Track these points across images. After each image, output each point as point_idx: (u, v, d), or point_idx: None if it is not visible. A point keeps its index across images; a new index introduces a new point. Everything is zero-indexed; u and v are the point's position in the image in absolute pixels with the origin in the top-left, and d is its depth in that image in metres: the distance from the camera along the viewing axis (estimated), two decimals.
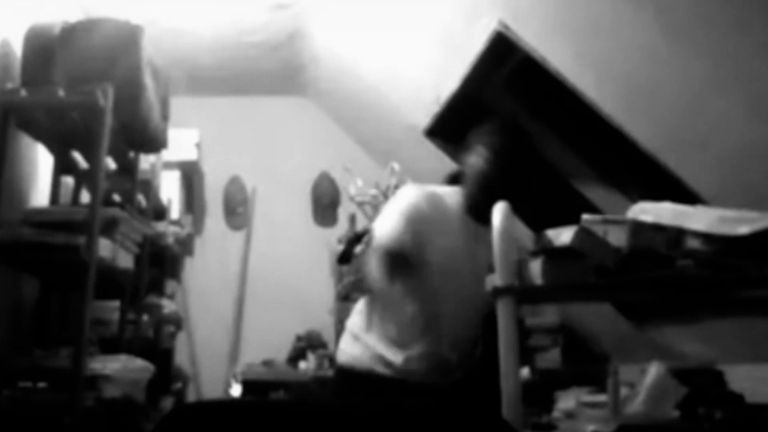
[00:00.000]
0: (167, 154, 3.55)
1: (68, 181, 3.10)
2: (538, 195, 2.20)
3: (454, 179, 2.19)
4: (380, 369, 2.00)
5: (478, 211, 2.02)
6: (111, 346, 2.77)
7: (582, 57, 2.52)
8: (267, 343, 4.78)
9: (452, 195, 2.10)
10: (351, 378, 2.05)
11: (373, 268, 1.99)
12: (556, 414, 2.25)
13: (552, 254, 1.53)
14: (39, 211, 2.65)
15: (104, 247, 2.45)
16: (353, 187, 4.20)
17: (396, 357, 1.99)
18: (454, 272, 2.02)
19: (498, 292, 1.50)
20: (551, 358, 3.52)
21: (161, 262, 3.73)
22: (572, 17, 2.43)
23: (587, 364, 3.25)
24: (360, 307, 2.13)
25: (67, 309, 2.86)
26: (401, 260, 1.96)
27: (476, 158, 2.06)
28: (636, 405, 1.89)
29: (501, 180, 2.01)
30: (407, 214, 2.00)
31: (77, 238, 2.32)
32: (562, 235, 1.52)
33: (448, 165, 3.87)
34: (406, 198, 2.05)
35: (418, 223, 1.99)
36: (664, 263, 1.46)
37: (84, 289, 2.32)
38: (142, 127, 2.79)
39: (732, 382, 1.93)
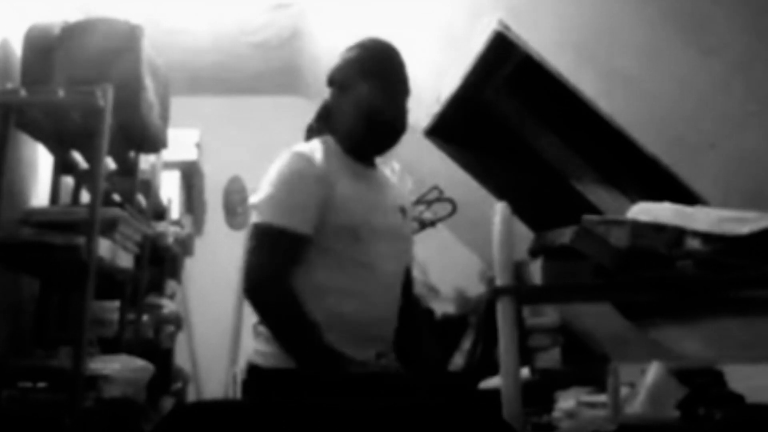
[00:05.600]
0: (167, 154, 3.54)
1: (68, 181, 3.10)
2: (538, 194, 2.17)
3: (311, 132, 2.02)
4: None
5: (362, 148, 1.88)
6: (111, 346, 2.76)
7: (582, 57, 2.52)
8: None
9: (323, 145, 1.87)
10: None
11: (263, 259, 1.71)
12: (556, 414, 2.26)
13: (552, 254, 1.53)
14: (39, 211, 2.64)
15: (104, 247, 2.45)
16: None
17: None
18: (371, 230, 1.77)
19: (498, 292, 1.50)
20: (551, 358, 3.52)
21: (161, 262, 3.73)
22: (573, 18, 2.43)
23: (587, 364, 3.25)
24: None
25: (67, 309, 2.86)
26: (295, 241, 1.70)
27: (356, 92, 1.86)
28: (636, 405, 1.90)
29: (390, 106, 1.85)
30: (294, 179, 1.77)
31: (77, 238, 2.32)
32: (563, 236, 1.52)
33: (449, 165, 3.88)
34: (285, 164, 1.82)
35: (312, 184, 1.75)
36: (664, 263, 1.46)
37: (84, 289, 2.32)
38: (142, 127, 2.78)
39: (732, 382, 1.93)
